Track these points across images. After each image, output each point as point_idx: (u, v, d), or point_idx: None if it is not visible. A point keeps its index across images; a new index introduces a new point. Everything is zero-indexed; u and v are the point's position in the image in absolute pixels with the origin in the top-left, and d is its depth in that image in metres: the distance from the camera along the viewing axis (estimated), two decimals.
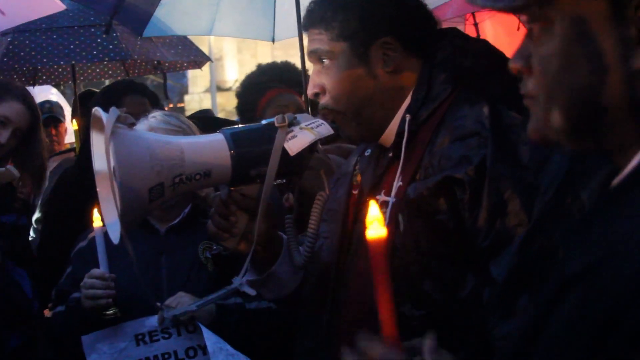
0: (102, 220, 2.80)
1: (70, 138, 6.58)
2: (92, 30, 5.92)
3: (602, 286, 0.95)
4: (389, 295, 1.34)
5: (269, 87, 3.97)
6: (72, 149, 5.66)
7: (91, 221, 2.81)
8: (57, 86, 7.97)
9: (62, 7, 4.86)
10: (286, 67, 4.31)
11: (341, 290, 2.13)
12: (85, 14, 6.01)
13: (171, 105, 21.44)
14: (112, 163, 1.88)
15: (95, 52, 5.82)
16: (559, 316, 1.01)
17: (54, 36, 5.83)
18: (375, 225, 1.36)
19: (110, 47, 5.83)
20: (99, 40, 5.84)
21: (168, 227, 2.99)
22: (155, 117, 2.96)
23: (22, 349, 3.40)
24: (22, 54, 5.81)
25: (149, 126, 2.90)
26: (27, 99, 3.65)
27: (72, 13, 5.96)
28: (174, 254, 2.94)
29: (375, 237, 1.36)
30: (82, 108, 5.72)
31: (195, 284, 2.83)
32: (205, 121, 5.05)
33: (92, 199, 2.18)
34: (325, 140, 2.26)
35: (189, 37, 6.57)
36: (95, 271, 2.79)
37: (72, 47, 5.76)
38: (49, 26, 5.58)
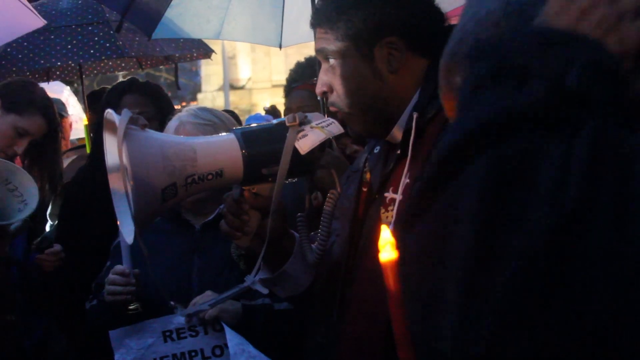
0: (98, 219, 2.86)
1: (79, 134, 6.62)
2: (90, 28, 5.91)
3: None
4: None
5: (293, 87, 4.07)
6: (79, 146, 5.71)
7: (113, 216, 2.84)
8: (70, 83, 8.01)
9: (43, 22, 4.84)
10: (307, 63, 4.36)
11: (350, 288, 2.15)
12: (84, 12, 6.00)
13: (184, 104, 21.46)
14: (125, 164, 1.90)
15: (92, 51, 5.80)
16: None
17: (52, 36, 5.81)
18: (388, 248, 1.37)
19: (107, 45, 5.81)
20: (96, 38, 5.83)
21: (203, 223, 3.00)
22: (187, 110, 2.98)
23: (44, 344, 3.45)
24: (19, 56, 5.79)
25: (180, 120, 2.93)
26: (48, 112, 3.72)
27: (69, 12, 5.97)
28: (207, 251, 2.95)
29: (389, 260, 1.36)
30: (90, 106, 5.76)
31: (225, 281, 2.84)
32: None
33: (106, 197, 2.20)
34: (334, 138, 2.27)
35: None
36: (117, 267, 2.84)
37: (69, 46, 5.74)
38: (47, 26, 5.56)
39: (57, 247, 3.50)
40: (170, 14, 4.80)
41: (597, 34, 1.01)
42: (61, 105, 6.47)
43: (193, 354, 2.76)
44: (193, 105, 3.12)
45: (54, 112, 3.80)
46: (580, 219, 0.86)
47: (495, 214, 0.88)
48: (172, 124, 2.94)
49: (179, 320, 2.79)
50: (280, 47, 5.14)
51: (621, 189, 0.87)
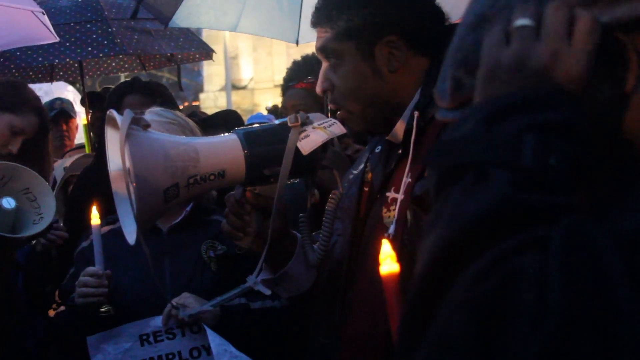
0: (101, 218, 2.85)
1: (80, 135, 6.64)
2: (88, 26, 5.89)
3: None
4: None
5: (289, 85, 4.07)
6: (83, 146, 5.70)
7: (89, 219, 2.84)
8: (73, 83, 8.02)
9: (56, 39, 4.83)
10: (304, 61, 4.34)
11: (351, 288, 2.15)
12: (83, 10, 6.00)
13: (186, 104, 21.42)
14: (128, 165, 1.90)
15: (90, 48, 5.79)
16: None
17: None
18: (389, 261, 1.36)
19: (105, 42, 5.80)
20: (94, 36, 5.83)
21: (170, 226, 2.98)
22: (150, 111, 2.97)
23: (46, 343, 3.46)
24: (18, 53, 5.80)
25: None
26: (41, 111, 3.77)
27: (69, 10, 5.97)
28: (177, 254, 2.93)
29: (389, 273, 1.35)
30: (90, 106, 5.75)
31: (199, 283, 2.84)
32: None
33: (111, 197, 2.20)
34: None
35: (205, 30, 6.53)
36: (89, 269, 2.81)
37: (67, 44, 5.74)
38: None
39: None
40: (187, 4, 4.78)
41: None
42: (70, 106, 6.48)
43: (171, 356, 2.75)
44: (154, 108, 3.11)
45: (45, 111, 3.83)
46: (563, 343, 0.86)
47: (483, 347, 0.89)
48: None
49: (155, 323, 2.77)
50: (297, 43, 5.11)
51: (602, 303, 0.87)
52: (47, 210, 3.16)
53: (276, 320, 2.80)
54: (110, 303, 2.79)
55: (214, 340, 2.64)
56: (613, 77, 1.05)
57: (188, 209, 3.00)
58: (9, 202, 3.07)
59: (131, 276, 2.84)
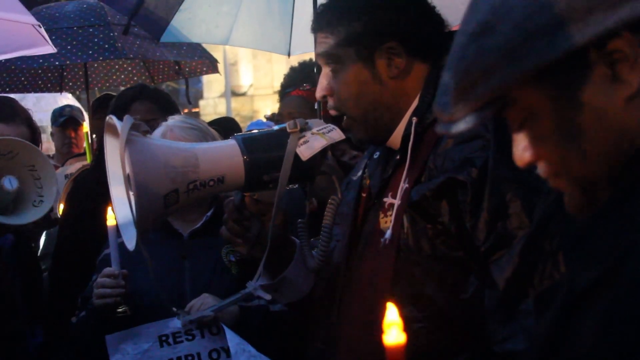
0: (103, 221, 2.86)
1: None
2: (91, 30, 5.93)
3: (620, 298, 0.96)
4: None
5: (286, 93, 4.09)
6: (84, 153, 5.72)
7: (105, 220, 2.85)
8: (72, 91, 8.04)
9: (52, 50, 4.86)
10: (301, 68, 4.36)
11: (347, 292, 2.15)
12: (87, 14, 6.04)
13: (186, 110, 21.39)
14: (128, 171, 1.91)
15: (91, 52, 5.82)
16: (579, 334, 1.02)
17: (53, 37, 5.82)
18: (395, 330, 1.27)
19: (106, 46, 5.84)
20: (95, 40, 5.86)
21: (191, 231, 3.02)
22: (173, 118, 3.02)
23: (45, 346, 3.47)
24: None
25: (167, 126, 2.96)
26: (31, 122, 3.82)
27: (73, 14, 6.02)
28: (197, 257, 2.96)
29: (394, 344, 1.25)
30: (99, 112, 5.77)
31: (219, 287, 2.85)
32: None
33: (107, 203, 2.21)
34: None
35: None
36: (106, 270, 2.83)
37: (69, 47, 5.77)
38: (49, 27, 5.57)
39: None
40: (179, 18, 4.77)
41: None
42: (79, 113, 6.51)
43: (190, 358, 2.75)
44: (176, 115, 3.18)
45: (36, 124, 3.87)
46: None
47: None
48: (158, 130, 2.96)
49: (175, 324, 2.78)
50: (288, 54, 5.12)
51: None
52: (48, 193, 3.15)
53: (295, 323, 2.81)
54: (127, 303, 2.81)
55: (233, 339, 2.65)
56: (618, 80, 1.04)
57: (209, 214, 3.03)
58: (11, 183, 3.06)
59: (151, 279, 2.85)
